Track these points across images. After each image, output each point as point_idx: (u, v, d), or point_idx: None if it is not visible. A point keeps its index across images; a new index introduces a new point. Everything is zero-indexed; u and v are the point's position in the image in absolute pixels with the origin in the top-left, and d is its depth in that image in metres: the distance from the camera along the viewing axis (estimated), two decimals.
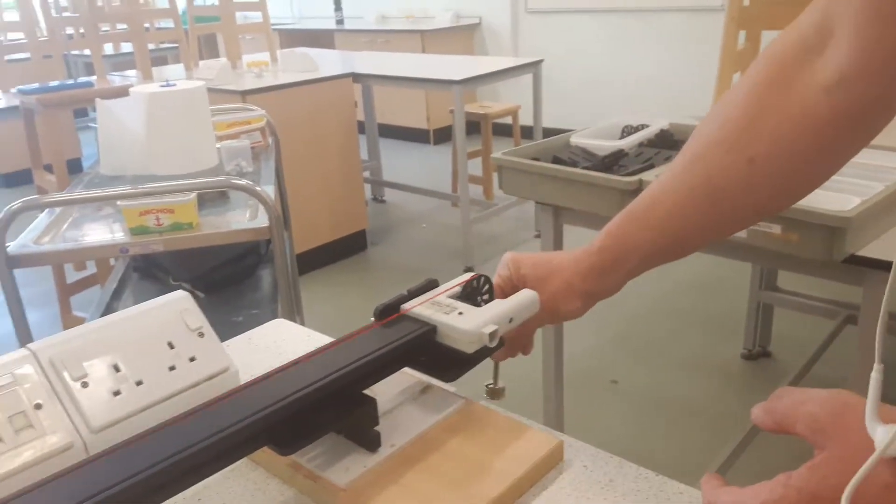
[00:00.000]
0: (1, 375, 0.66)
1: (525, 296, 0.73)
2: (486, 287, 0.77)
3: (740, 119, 0.57)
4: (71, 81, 3.06)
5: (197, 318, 0.79)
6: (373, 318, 0.73)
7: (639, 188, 1.24)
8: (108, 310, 1.89)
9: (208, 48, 6.72)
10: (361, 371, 0.64)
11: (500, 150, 1.50)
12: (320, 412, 0.61)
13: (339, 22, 6.50)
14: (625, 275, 0.67)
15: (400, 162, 5.35)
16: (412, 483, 0.61)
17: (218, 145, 1.93)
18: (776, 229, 1.10)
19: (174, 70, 4.08)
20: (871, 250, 1.10)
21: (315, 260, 3.53)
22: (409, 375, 0.75)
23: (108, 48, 5.46)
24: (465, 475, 0.62)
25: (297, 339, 0.93)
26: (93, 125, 6.74)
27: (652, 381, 2.48)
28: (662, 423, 2.25)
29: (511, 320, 0.71)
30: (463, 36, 5.91)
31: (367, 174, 4.37)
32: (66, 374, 0.68)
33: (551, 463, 0.66)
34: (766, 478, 0.44)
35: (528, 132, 3.88)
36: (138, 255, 2.15)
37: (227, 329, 0.79)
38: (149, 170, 1.86)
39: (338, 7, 6.58)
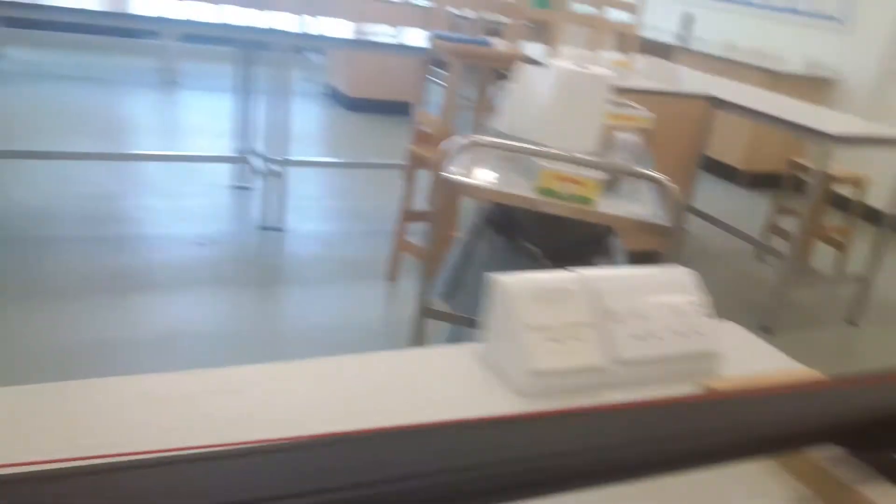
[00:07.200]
0: (559, 290, 0.78)
1: None
2: None
3: None
4: (465, 36, 3.37)
5: (703, 299, 0.86)
6: None
7: None
8: (465, 249, 2.09)
9: (534, 32, 6.95)
10: None
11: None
12: None
13: (682, 38, 6.39)
14: None
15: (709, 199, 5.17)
16: None
17: (620, 135, 2.03)
18: None
19: (532, 48, 4.31)
20: None
21: None
22: None
23: None
24: None
25: None
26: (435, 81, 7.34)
27: None
28: None
29: None
30: (815, 87, 5.48)
31: None
32: (607, 303, 0.79)
33: None
34: None
35: (871, 214, 3.53)
36: (496, 210, 2.35)
37: None
38: (541, 138, 2.01)
39: (687, 24, 6.48)
